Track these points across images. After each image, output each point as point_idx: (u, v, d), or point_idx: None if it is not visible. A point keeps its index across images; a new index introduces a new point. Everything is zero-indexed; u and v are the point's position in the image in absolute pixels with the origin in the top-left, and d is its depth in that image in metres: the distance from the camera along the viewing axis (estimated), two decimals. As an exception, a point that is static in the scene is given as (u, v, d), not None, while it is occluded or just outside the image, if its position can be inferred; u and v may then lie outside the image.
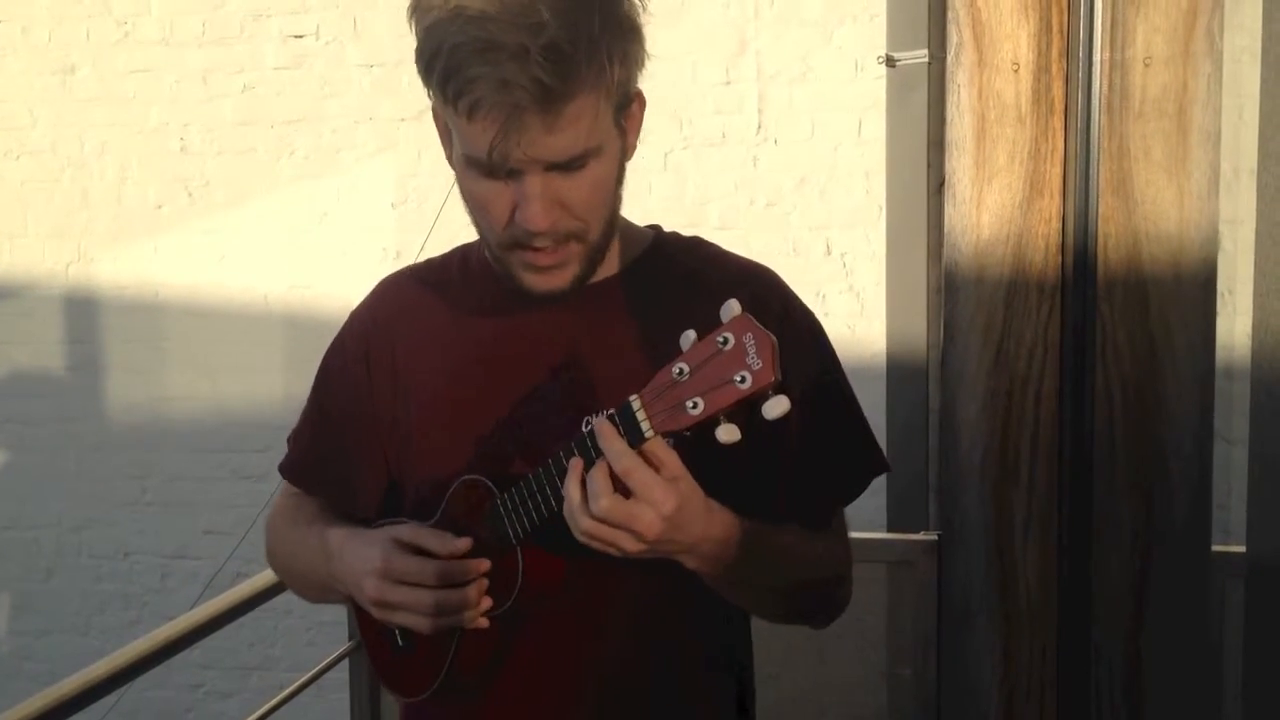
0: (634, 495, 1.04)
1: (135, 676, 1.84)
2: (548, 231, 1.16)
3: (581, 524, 1.05)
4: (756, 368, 0.98)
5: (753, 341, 0.98)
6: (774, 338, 0.99)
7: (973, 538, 1.77)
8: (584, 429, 1.14)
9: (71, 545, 4.76)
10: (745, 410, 1.01)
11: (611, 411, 1.05)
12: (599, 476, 1.04)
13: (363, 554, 1.23)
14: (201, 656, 4.33)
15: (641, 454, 1.04)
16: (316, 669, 2.30)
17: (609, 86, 1.13)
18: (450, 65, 1.09)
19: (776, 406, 0.99)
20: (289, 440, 1.45)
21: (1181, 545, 1.71)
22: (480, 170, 1.15)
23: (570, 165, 1.14)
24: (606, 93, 1.13)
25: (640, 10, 1.16)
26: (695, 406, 1.00)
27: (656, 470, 1.05)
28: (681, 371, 1.01)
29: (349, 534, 1.28)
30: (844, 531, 1.34)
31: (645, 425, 1.03)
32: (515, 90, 1.07)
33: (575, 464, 1.07)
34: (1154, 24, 1.65)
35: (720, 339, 0.99)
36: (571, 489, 1.06)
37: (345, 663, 2.37)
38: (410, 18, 1.14)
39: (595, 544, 1.07)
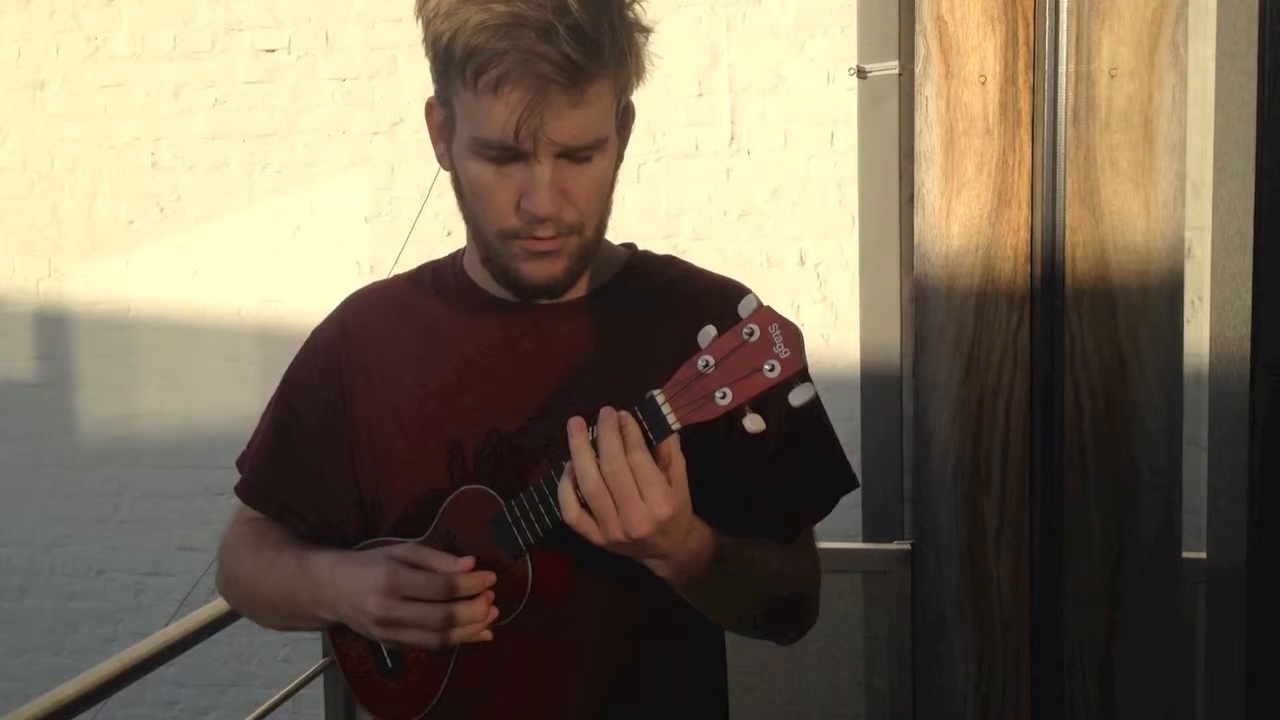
0: (638, 488, 1.04)
1: (109, 695, 1.83)
2: (553, 218, 1.16)
3: (565, 510, 1.05)
4: (785, 356, 1.00)
5: (779, 331, 1.00)
6: (799, 328, 1.01)
7: (945, 546, 1.78)
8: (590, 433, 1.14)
9: (44, 563, 4.72)
10: (765, 402, 1.02)
11: (634, 407, 1.05)
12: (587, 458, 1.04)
13: (361, 574, 1.21)
14: (176, 674, 4.31)
15: (655, 450, 1.04)
16: (292, 685, 2.29)
17: (625, 79, 1.16)
18: (473, 42, 1.09)
19: (803, 393, 1.00)
20: (241, 463, 1.41)
21: (1153, 551, 1.73)
22: (490, 156, 1.15)
23: (580, 154, 1.15)
24: (621, 86, 1.16)
25: (644, 16, 1.18)
26: (724, 397, 1.01)
27: (665, 470, 1.05)
28: (707, 364, 1.02)
29: (337, 557, 1.26)
30: (813, 547, 1.35)
31: (671, 418, 1.03)
32: (542, 63, 1.08)
33: (580, 428, 1.05)
34: (1119, 36, 1.67)
35: (746, 330, 1.01)
36: (583, 453, 1.04)
37: (320, 679, 2.36)
38: (420, 9, 1.15)
39: (583, 524, 1.06)
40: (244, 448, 1.43)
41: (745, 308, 1.02)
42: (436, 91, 1.20)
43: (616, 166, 1.23)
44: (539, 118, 1.10)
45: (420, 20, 1.15)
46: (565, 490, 1.06)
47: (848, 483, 1.34)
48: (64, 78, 4.54)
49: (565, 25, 1.08)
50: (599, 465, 1.04)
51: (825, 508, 1.33)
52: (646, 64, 1.19)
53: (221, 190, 4.48)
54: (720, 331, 1.02)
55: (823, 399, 1.33)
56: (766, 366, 1.00)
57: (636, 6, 1.16)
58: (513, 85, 1.09)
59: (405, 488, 1.28)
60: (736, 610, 1.28)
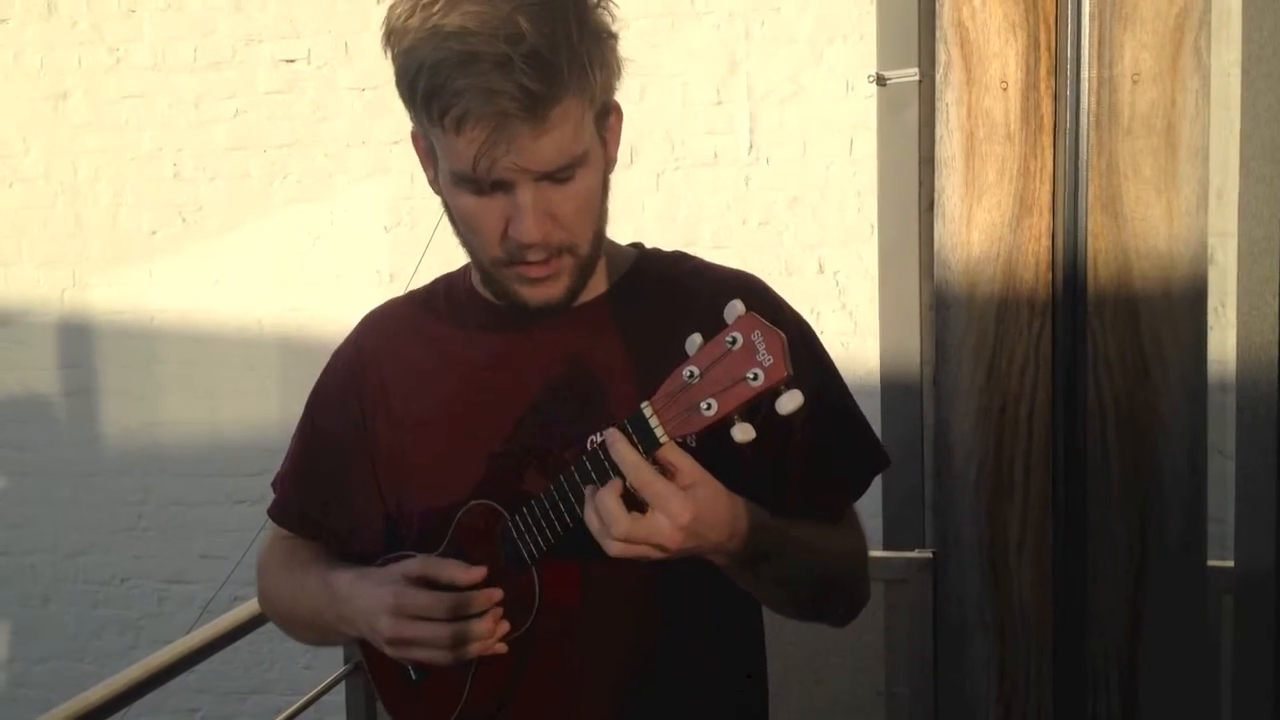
0: (651, 508, 1.04)
1: (131, 702, 1.84)
2: (541, 243, 1.16)
3: (609, 548, 1.05)
4: (768, 364, 0.98)
5: (761, 338, 0.99)
6: (782, 333, 0.99)
7: (967, 554, 1.77)
8: (589, 445, 1.14)
9: (68, 571, 4.74)
10: (757, 408, 1.01)
11: (623, 420, 1.05)
12: (611, 500, 1.04)
13: (373, 593, 1.23)
14: (198, 681, 4.32)
15: (656, 461, 1.04)
16: (313, 692, 2.29)
17: (591, 92, 1.14)
18: (433, 82, 1.10)
19: (790, 401, 0.99)
20: (274, 484, 1.44)
21: (1177, 560, 1.71)
22: (469, 187, 1.15)
23: (559, 175, 1.14)
24: (590, 99, 1.15)
25: (613, 18, 1.17)
26: (709, 408, 1.00)
27: (672, 478, 1.05)
28: (692, 374, 1.01)
29: (356, 575, 1.28)
30: (858, 525, 1.35)
31: (659, 431, 1.03)
32: (501, 98, 1.08)
33: (589, 492, 1.07)
34: (1141, 41, 1.66)
35: (729, 339, 1.00)
36: (591, 517, 1.06)
37: (342, 685, 2.36)
38: (385, 44, 1.15)
39: (627, 557, 1.06)
40: (278, 456, 1.45)
41: (729, 314, 1.01)
42: (415, 123, 1.20)
43: (606, 174, 1.23)
44: (502, 150, 1.10)
45: (387, 55, 1.16)
46: (602, 538, 1.05)
47: (879, 461, 1.34)
48: (86, 89, 4.57)
49: (520, 55, 1.07)
50: (611, 533, 1.04)
51: (860, 487, 1.33)
52: (617, 66, 1.18)
53: (243, 200, 4.50)
54: (705, 340, 1.01)
55: (844, 406, 1.33)
56: (750, 375, 0.99)
57: (601, 10, 1.15)
58: (474, 122, 1.09)
59: (424, 502, 1.29)
60: (792, 590, 1.27)
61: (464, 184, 1.15)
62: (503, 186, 1.14)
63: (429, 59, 1.09)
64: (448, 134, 1.12)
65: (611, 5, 1.17)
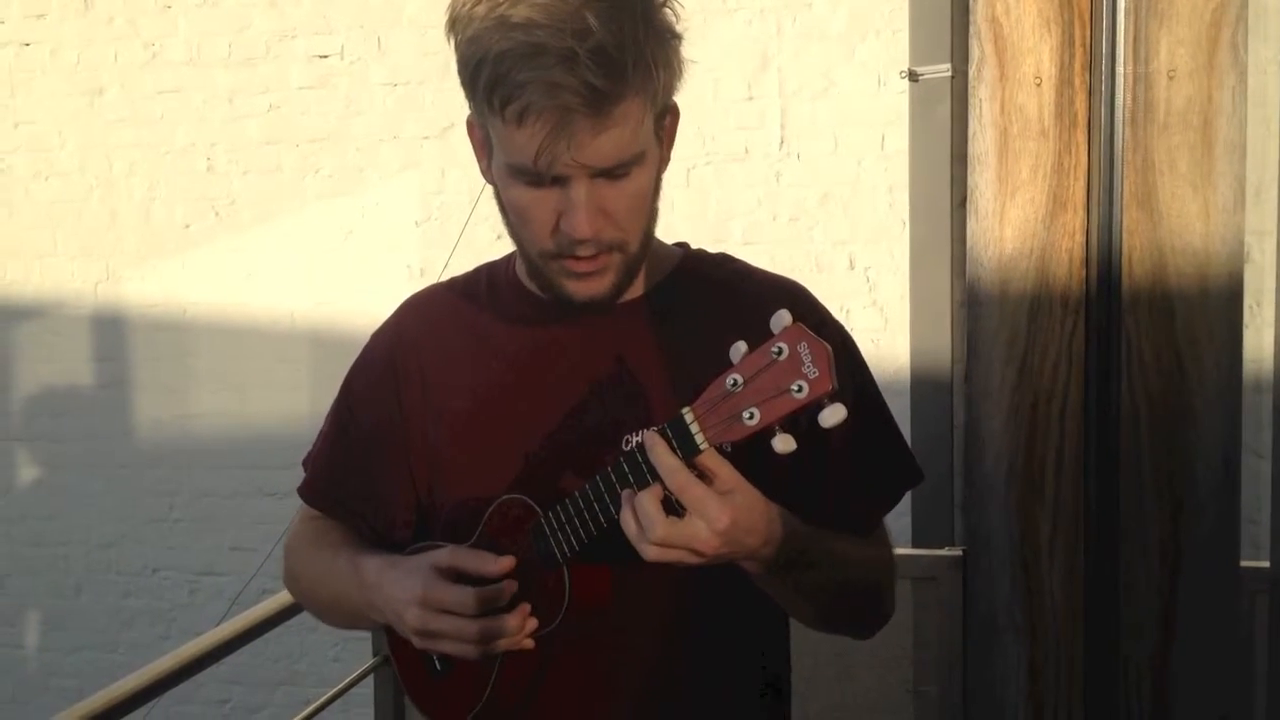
0: (688, 512, 1.04)
1: (162, 692, 1.85)
2: (592, 239, 1.16)
3: (645, 552, 1.05)
4: (813, 376, 0.98)
5: (808, 351, 0.98)
6: (829, 346, 0.98)
7: (998, 553, 1.77)
8: (625, 445, 1.13)
9: (100, 562, 4.79)
10: (798, 420, 1.00)
11: (663, 425, 1.04)
12: (650, 504, 1.04)
13: (402, 583, 1.22)
14: (228, 672, 4.35)
15: (694, 467, 1.04)
16: (342, 684, 2.31)
17: (654, 92, 1.14)
18: (497, 72, 1.09)
19: (833, 415, 0.98)
20: (306, 463, 1.43)
21: (1210, 559, 1.70)
22: (525, 179, 1.15)
23: (615, 172, 1.14)
24: (651, 99, 1.14)
25: (677, 18, 1.16)
26: (751, 417, 1.00)
27: (710, 483, 1.04)
28: (735, 382, 1.00)
29: (385, 562, 1.27)
30: (887, 540, 1.34)
31: (699, 437, 1.02)
32: (565, 93, 1.07)
33: (627, 495, 1.06)
34: (1177, 37, 1.64)
35: (775, 349, 0.99)
36: (628, 520, 1.05)
37: (370, 678, 2.38)
38: (449, 31, 1.14)
39: (663, 562, 1.06)
40: (309, 448, 1.45)
41: (776, 324, 1.00)
42: (473, 111, 1.20)
43: (660, 172, 1.22)
44: (563, 145, 1.09)
45: (450, 42, 1.15)
46: (639, 541, 1.05)
47: (913, 476, 1.34)
48: (122, 84, 4.60)
49: (586, 50, 1.06)
50: (648, 537, 1.04)
51: (893, 500, 1.33)
52: (679, 67, 1.17)
53: (275, 194, 4.53)
54: (750, 349, 1.00)
55: (874, 403, 1.33)
56: (794, 387, 0.98)
57: (667, 10, 1.14)
58: (536, 116, 1.08)
59: (456, 492, 1.29)
60: (820, 600, 1.26)
61: (519, 176, 1.15)
62: (558, 180, 1.13)
63: (493, 49, 1.08)
64: (508, 125, 1.11)
65: (676, 5, 1.16)
